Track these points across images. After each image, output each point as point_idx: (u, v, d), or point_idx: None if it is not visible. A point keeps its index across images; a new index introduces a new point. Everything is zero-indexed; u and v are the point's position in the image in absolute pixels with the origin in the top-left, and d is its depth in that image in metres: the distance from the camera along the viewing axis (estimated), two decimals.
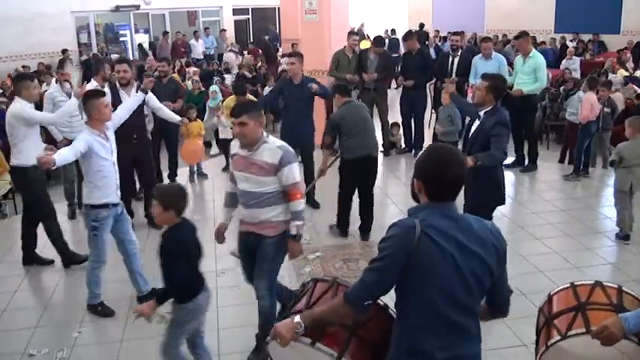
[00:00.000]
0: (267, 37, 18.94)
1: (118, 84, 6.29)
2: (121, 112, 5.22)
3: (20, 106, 5.29)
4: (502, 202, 4.85)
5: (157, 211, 3.39)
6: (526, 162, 8.32)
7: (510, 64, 9.22)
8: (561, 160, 8.69)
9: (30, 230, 5.73)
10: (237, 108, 3.82)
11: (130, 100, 5.64)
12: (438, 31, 18.98)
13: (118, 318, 4.68)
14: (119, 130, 5.00)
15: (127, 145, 5.61)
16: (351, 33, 8.87)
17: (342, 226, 6.22)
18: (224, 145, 8.24)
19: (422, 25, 18.57)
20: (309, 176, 6.96)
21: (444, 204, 2.28)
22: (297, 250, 4.00)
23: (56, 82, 6.95)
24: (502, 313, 2.53)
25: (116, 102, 6.10)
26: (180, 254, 3.33)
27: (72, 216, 7.04)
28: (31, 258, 5.76)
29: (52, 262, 5.76)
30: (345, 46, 8.79)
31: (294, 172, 3.82)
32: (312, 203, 6.90)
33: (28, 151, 5.18)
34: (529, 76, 7.87)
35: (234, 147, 3.97)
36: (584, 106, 7.67)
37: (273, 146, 3.79)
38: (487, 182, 4.61)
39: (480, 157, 4.43)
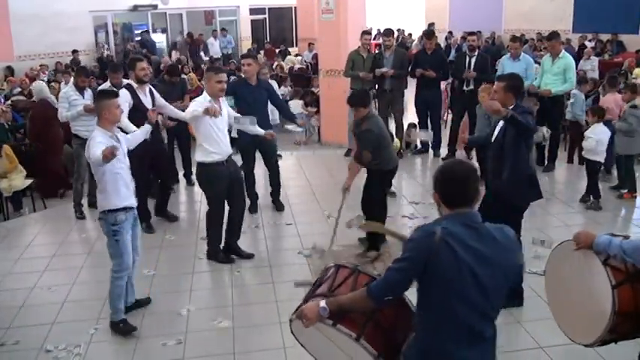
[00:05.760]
0: (138, 40, 17.97)
1: (134, 83, 6.29)
2: (132, 140, 4.92)
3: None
4: (539, 196, 4.67)
5: None
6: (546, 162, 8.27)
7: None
8: (569, 161, 8.59)
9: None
10: None
11: (138, 132, 5.17)
12: (450, 33, 18.87)
13: (135, 315, 4.70)
14: None
15: (142, 145, 5.24)
16: (365, 32, 8.80)
17: (379, 240, 5.78)
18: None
19: (431, 25, 18.50)
20: (275, 183, 6.95)
21: (465, 212, 2.40)
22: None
23: (76, 86, 6.94)
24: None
25: (135, 101, 6.12)
26: None
27: (81, 216, 7.01)
28: (234, 250, 5.81)
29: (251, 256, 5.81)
30: (359, 47, 8.75)
31: None
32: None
33: None
34: (558, 76, 7.90)
35: None
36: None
37: None
38: (517, 179, 4.49)
39: (513, 113, 4.32)
